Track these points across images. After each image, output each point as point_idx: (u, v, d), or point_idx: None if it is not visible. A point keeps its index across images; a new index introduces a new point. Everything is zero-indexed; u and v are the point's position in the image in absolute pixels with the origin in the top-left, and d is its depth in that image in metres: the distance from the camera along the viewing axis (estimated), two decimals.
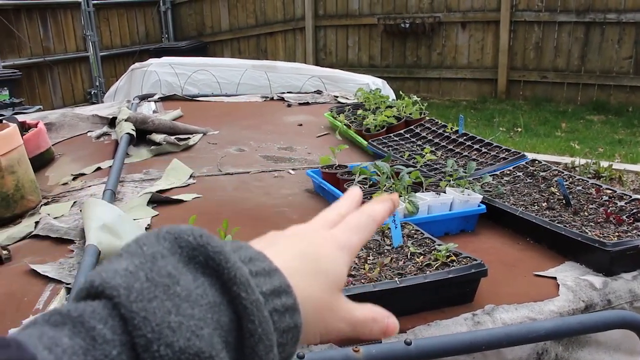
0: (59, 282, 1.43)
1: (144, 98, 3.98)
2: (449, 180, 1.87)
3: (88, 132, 3.18)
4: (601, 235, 1.49)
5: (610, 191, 1.79)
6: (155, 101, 3.88)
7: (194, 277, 0.40)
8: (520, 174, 2.03)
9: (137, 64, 5.96)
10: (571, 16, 8.20)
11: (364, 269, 1.29)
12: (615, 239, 1.46)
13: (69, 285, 1.40)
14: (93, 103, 8.84)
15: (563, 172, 2.00)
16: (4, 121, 2.51)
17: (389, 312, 0.54)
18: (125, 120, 2.90)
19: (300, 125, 3.25)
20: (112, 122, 3.18)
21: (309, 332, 0.48)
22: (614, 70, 8.09)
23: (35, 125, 2.71)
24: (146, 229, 1.78)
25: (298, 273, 0.48)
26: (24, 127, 2.65)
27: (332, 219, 0.57)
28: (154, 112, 3.53)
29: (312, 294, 0.48)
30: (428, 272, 1.28)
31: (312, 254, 0.50)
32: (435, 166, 2.18)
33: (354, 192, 0.63)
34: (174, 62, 5.80)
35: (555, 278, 1.43)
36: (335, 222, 0.56)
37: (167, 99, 3.97)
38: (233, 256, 0.42)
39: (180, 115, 3.40)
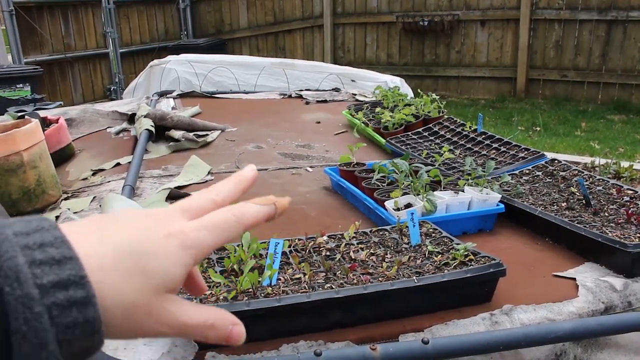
0: None
1: (162, 94, 4.01)
2: (468, 179, 1.85)
3: (108, 128, 3.21)
4: (622, 236, 1.47)
5: (631, 192, 1.77)
6: (174, 98, 3.91)
7: None
8: (540, 173, 2.02)
9: (156, 61, 6.01)
10: (592, 14, 8.09)
11: (382, 267, 1.29)
12: (637, 240, 1.44)
13: None
14: (112, 99, 8.92)
15: (583, 172, 1.98)
16: (26, 117, 2.54)
17: (236, 320, 0.50)
18: (145, 117, 2.92)
19: (318, 122, 3.25)
20: (131, 118, 3.21)
21: (118, 332, 0.45)
22: (636, 69, 7.98)
23: (56, 121, 2.74)
24: None
25: (112, 269, 0.44)
26: (45, 123, 2.69)
27: (200, 206, 0.52)
28: (173, 108, 3.56)
29: (124, 296, 0.44)
30: (446, 271, 1.27)
31: (140, 250, 0.46)
32: (453, 165, 2.17)
33: (244, 174, 0.58)
34: (193, 59, 5.83)
35: (574, 279, 1.42)
36: (203, 209, 0.51)
37: (186, 96, 4.00)
38: (7, 245, 0.39)
39: (199, 112, 3.42)
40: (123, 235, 0.46)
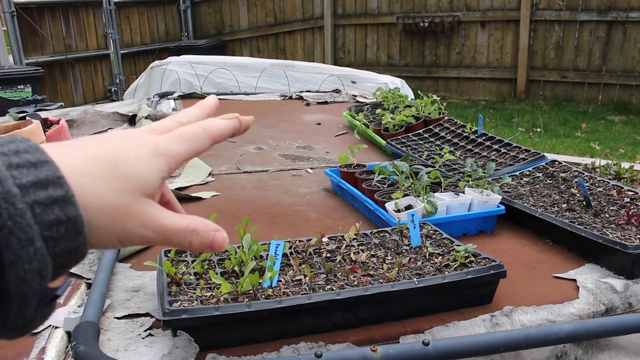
0: (80, 277, 1.45)
1: (163, 96, 4.02)
2: (468, 181, 1.86)
3: (108, 129, 3.21)
4: (622, 237, 1.47)
5: (632, 193, 1.77)
6: (174, 99, 3.91)
7: None
8: (540, 174, 2.02)
9: (156, 62, 6.02)
10: (592, 15, 8.10)
11: (383, 268, 1.30)
12: (637, 241, 1.44)
13: (89, 281, 1.42)
14: (113, 100, 8.94)
15: (583, 173, 1.98)
16: (27, 118, 2.54)
17: (217, 226, 0.52)
18: (145, 118, 2.93)
19: (319, 124, 3.25)
20: (132, 119, 3.21)
21: (101, 235, 0.46)
22: (636, 70, 7.99)
23: (57, 122, 2.74)
24: None
25: (88, 173, 0.46)
26: (46, 124, 2.69)
27: (167, 126, 0.55)
28: (174, 109, 3.56)
29: (103, 196, 0.46)
30: (446, 272, 1.27)
31: (114, 156, 0.48)
32: (454, 166, 2.17)
33: (207, 101, 0.60)
34: (193, 60, 5.84)
35: (575, 280, 1.42)
36: (171, 129, 0.54)
37: (187, 97, 4.00)
38: None
39: None
40: (97, 146, 0.49)
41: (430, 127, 2.67)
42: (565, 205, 1.74)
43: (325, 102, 3.80)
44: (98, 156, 0.47)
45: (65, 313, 1.26)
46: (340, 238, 1.48)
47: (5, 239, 0.38)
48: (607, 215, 1.64)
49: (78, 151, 0.47)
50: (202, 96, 4.04)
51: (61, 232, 0.41)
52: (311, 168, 2.46)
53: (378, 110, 2.96)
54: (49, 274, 0.41)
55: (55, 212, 0.41)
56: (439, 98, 2.96)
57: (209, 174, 2.34)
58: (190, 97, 4.01)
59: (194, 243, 0.51)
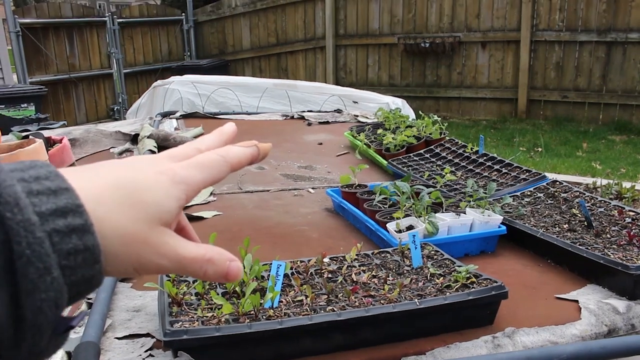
0: None
1: (166, 115, 4.04)
2: (469, 201, 1.86)
3: (111, 148, 3.23)
4: (624, 258, 1.47)
5: (633, 213, 1.77)
6: (177, 118, 3.93)
7: None
8: (541, 195, 2.02)
9: (159, 82, 6.05)
10: (592, 36, 8.17)
11: (384, 289, 1.29)
12: (639, 262, 1.44)
13: (90, 300, 1.42)
14: (116, 119, 8.98)
15: (585, 194, 1.98)
16: (30, 136, 2.56)
17: (232, 256, 0.52)
18: (148, 137, 2.94)
19: (320, 144, 3.27)
20: (134, 138, 3.23)
21: (117, 263, 0.46)
22: (636, 90, 8.02)
23: (60, 141, 2.76)
24: None
25: (107, 201, 0.45)
26: (49, 143, 2.70)
27: (185, 153, 0.54)
28: (176, 129, 3.58)
29: (120, 225, 0.45)
30: (448, 293, 1.27)
31: (132, 183, 0.48)
32: (455, 186, 2.17)
33: (225, 128, 0.59)
34: (196, 80, 5.88)
35: (577, 301, 1.41)
36: (188, 157, 0.53)
37: (189, 117, 4.02)
38: (4, 175, 0.39)
39: (202, 133, 3.44)
40: (115, 173, 0.48)
41: (432, 147, 2.68)
42: (567, 225, 1.74)
43: (327, 122, 3.82)
44: (116, 183, 0.47)
45: None
46: (342, 258, 1.48)
47: (23, 268, 0.38)
48: (608, 236, 1.64)
49: (96, 177, 0.47)
50: (204, 116, 4.07)
51: (78, 261, 0.41)
52: (313, 188, 2.46)
53: (379, 131, 2.97)
54: (65, 303, 0.41)
55: (73, 241, 0.41)
56: (440, 118, 2.98)
57: (211, 194, 2.35)
58: (193, 117, 4.03)
59: (209, 272, 0.50)
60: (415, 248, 1.43)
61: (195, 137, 3.24)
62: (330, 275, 1.39)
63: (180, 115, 4.03)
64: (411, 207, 1.79)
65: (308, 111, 4.31)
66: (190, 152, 0.54)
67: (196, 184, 0.51)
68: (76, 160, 2.88)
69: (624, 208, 1.81)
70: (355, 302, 1.24)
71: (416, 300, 1.23)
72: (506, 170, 2.28)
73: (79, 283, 0.42)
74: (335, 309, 1.19)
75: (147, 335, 1.25)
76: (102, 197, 0.46)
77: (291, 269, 1.41)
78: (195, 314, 1.17)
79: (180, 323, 1.12)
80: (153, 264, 0.48)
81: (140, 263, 0.47)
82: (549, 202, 1.96)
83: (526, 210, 1.88)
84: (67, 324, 0.42)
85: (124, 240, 0.46)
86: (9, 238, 0.38)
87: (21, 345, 0.39)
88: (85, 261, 0.42)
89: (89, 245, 0.42)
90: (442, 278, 1.35)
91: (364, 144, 2.87)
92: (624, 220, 1.73)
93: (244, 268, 1.30)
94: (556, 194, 2.01)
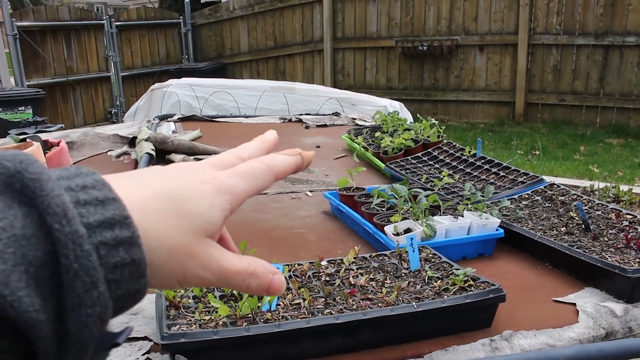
0: None
1: (163, 118, 4.04)
2: (467, 204, 1.86)
3: (108, 151, 3.22)
4: (621, 261, 1.47)
5: (630, 216, 1.77)
6: (174, 121, 3.93)
7: (8, 206, 0.37)
8: (539, 198, 2.02)
9: (157, 85, 6.05)
10: (589, 39, 8.19)
11: (382, 292, 1.29)
12: (636, 265, 1.44)
13: None
14: (113, 122, 8.97)
15: (582, 197, 1.99)
16: (27, 139, 2.55)
17: (275, 269, 0.51)
18: (145, 140, 2.94)
19: (318, 147, 3.27)
20: (132, 141, 3.22)
21: (162, 276, 0.45)
22: (633, 93, 8.04)
23: (58, 144, 2.75)
24: None
25: (152, 211, 0.44)
26: (46, 146, 2.70)
27: (228, 161, 0.52)
28: (174, 132, 3.58)
29: (166, 235, 0.44)
30: (445, 296, 1.27)
31: (178, 193, 0.46)
32: (452, 190, 2.17)
33: (267, 136, 0.58)
34: (194, 83, 5.88)
35: (574, 304, 1.41)
36: (231, 164, 0.52)
37: (187, 120, 4.02)
38: (52, 184, 0.38)
39: (200, 136, 3.43)
40: (160, 182, 0.47)
41: (429, 150, 2.68)
42: (564, 228, 1.74)
43: (325, 125, 3.82)
44: (161, 193, 0.46)
45: None
46: (339, 261, 1.47)
47: (70, 282, 0.37)
48: (606, 239, 1.65)
49: (139, 186, 0.46)
50: (201, 119, 4.07)
51: (124, 275, 0.40)
52: (310, 191, 2.46)
53: (377, 134, 2.98)
54: (109, 318, 0.40)
55: (120, 254, 0.40)
56: (437, 121, 2.98)
57: None
58: (190, 120, 4.03)
59: (251, 286, 0.49)
60: (413, 251, 1.43)
61: (193, 140, 3.24)
62: (328, 278, 1.38)
63: (178, 118, 4.03)
64: (409, 210, 1.79)
65: (306, 114, 4.31)
66: (233, 160, 0.52)
67: (241, 194, 0.50)
68: (74, 163, 2.88)
69: (621, 211, 1.81)
70: (353, 305, 1.24)
71: (414, 303, 1.23)
72: (504, 174, 2.29)
73: (124, 297, 0.41)
74: (333, 312, 1.19)
75: (145, 338, 1.25)
76: (147, 207, 0.44)
77: (289, 272, 1.41)
78: (193, 317, 1.17)
79: (178, 326, 1.12)
80: (197, 276, 0.47)
81: (184, 276, 0.46)
82: (547, 205, 1.97)
83: (524, 214, 1.88)
84: (113, 341, 0.41)
85: (169, 252, 0.45)
86: (56, 250, 0.36)
87: None
88: (131, 275, 0.41)
89: (135, 258, 0.41)
90: (439, 281, 1.35)
91: (362, 147, 2.87)
92: (622, 223, 1.73)
93: None
94: (554, 197, 2.01)
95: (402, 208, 1.81)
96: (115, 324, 1.27)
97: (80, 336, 0.38)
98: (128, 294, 0.41)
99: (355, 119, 4.01)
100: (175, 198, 0.46)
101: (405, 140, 2.71)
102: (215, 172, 0.50)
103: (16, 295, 0.34)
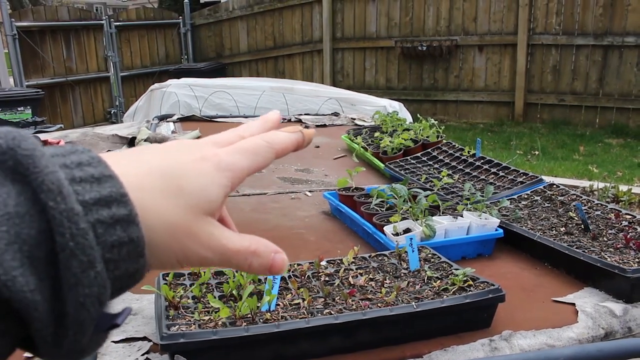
0: None
1: (163, 118, 4.04)
2: (466, 204, 1.86)
3: (108, 151, 3.22)
4: (621, 261, 1.47)
5: (629, 216, 1.77)
6: (174, 121, 3.93)
7: (1, 184, 0.36)
8: (538, 198, 2.02)
9: (156, 85, 6.05)
10: (589, 39, 8.19)
11: (381, 292, 1.29)
12: (636, 265, 1.44)
13: None
14: (113, 122, 8.97)
15: (581, 197, 1.99)
16: None
17: (277, 248, 0.50)
18: (145, 140, 2.94)
19: (318, 147, 3.27)
20: (131, 141, 3.22)
21: (161, 255, 0.44)
22: (632, 93, 8.05)
23: (57, 144, 2.75)
24: None
25: (150, 189, 0.43)
26: (46, 146, 2.70)
27: (229, 139, 0.51)
28: (173, 132, 3.58)
29: (165, 213, 0.43)
30: (445, 296, 1.27)
31: (176, 170, 0.45)
32: (452, 190, 2.17)
33: (269, 116, 0.56)
34: (193, 83, 5.88)
35: (574, 304, 1.41)
36: (232, 143, 0.51)
37: (186, 120, 4.02)
38: (46, 160, 0.36)
39: (199, 136, 3.43)
40: (158, 159, 0.46)
41: (429, 150, 2.68)
42: (564, 228, 1.74)
43: (324, 125, 3.82)
44: (159, 170, 0.45)
45: None
46: (339, 261, 1.47)
47: (66, 261, 0.36)
48: (605, 239, 1.65)
49: (138, 163, 0.45)
50: (201, 119, 4.07)
51: (122, 254, 0.39)
52: (310, 191, 2.46)
53: (376, 134, 2.98)
54: (107, 299, 0.39)
55: (117, 233, 0.39)
56: (437, 121, 2.98)
57: None
58: (190, 120, 4.03)
59: (253, 265, 0.48)
60: (413, 251, 1.43)
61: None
62: (327, 279, 1.38)
63: (178, 119, 4.03)
64: (408, 210, 1.79)
65: (305, 114, 4.31)
66: (234, 138, 0.51)
67: (241, 171, 0.48)
68: None
69: (620, 211, 1.81)
70: (353, 305, 1.24)
71: (413, 303, 1.23)
72: (503, 174, 2.29)
73: (122, 277, 0.40)
74: (332, 312, 1.19)
75: (144, 338, 1.25)
76: (145, 185, 0.43)
77: (288, 272, 1.40)
78: (192, 317, 1.17)
79: (177, 326, 1.12)
80: (197, 256, 0.46)
81: (185, 255, 0.45)
82: (546, 205, 1.97)
83: (523, 214, 1.88)
84: (111, 322, 0.40)
85: (169, 230, 0.44)
86: (51, 228, 0.35)
87: (62, 342, 0.37)
88: (129, 254, 0.40)
89: (133, 237, 0.40)
90: (439, 281, 1.35)
91: (361, 147, 2.87)
92: (621, 224, 1.73)
93: (241, 272, 1.30)
94: (553, 197, 2.01)
95: (402, 208, 1.81)
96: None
97: (78, 317, 0.37)
98: (127, 274, 0.40)
99: (354, 119, 4.01)
100: (174, 175, 0.45)
101: (405, 140, 2.71)
102: (215, 149, 0.49)
103: (10, 274, 0.33)
